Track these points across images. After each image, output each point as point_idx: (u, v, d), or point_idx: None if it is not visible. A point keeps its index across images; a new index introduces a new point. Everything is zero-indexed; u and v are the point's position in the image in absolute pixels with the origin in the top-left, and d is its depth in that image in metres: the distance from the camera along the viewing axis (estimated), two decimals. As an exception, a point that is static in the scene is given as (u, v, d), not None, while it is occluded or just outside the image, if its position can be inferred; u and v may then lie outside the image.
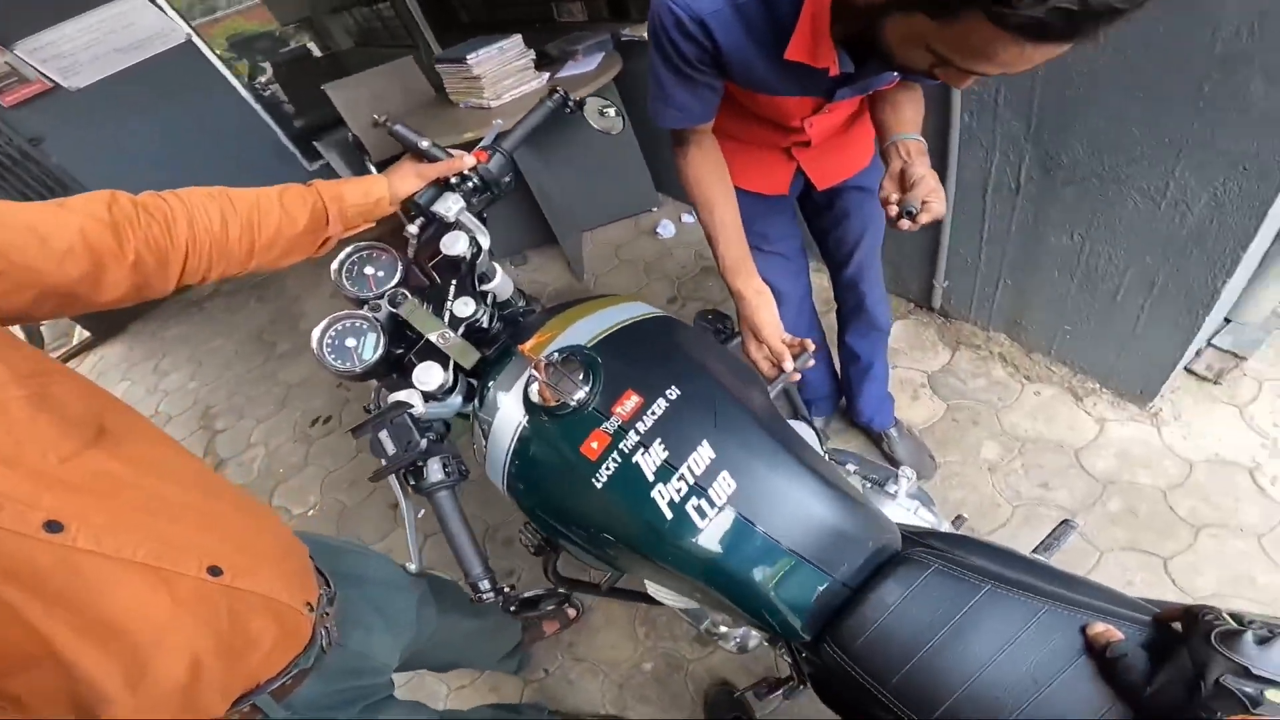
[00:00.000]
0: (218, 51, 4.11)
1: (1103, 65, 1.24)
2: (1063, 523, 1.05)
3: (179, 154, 3.96)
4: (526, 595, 0.77)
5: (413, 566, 0.77)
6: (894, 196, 0.92)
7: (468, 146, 0.97)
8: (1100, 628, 0.58)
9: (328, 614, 0.82)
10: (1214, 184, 1.24)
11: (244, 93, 4.19)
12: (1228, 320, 1.71)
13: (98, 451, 0.60)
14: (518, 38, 2.39)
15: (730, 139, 1.15)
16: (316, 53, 5.49)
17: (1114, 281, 1.53)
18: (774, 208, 1.31)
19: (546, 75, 2.45)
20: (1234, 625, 0.51)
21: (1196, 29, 1.09)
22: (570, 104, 1.04)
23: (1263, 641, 0.49)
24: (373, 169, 2.96)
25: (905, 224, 0.89)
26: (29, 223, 0.63)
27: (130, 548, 0.59)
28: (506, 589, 0.73)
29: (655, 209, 3.06)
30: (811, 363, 0.97)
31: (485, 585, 0.70)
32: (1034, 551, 1.02)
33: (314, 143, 4.04)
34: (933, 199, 0.89)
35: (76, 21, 3.48)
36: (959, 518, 1.20)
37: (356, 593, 0.92)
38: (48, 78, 3.51)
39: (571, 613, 1.70)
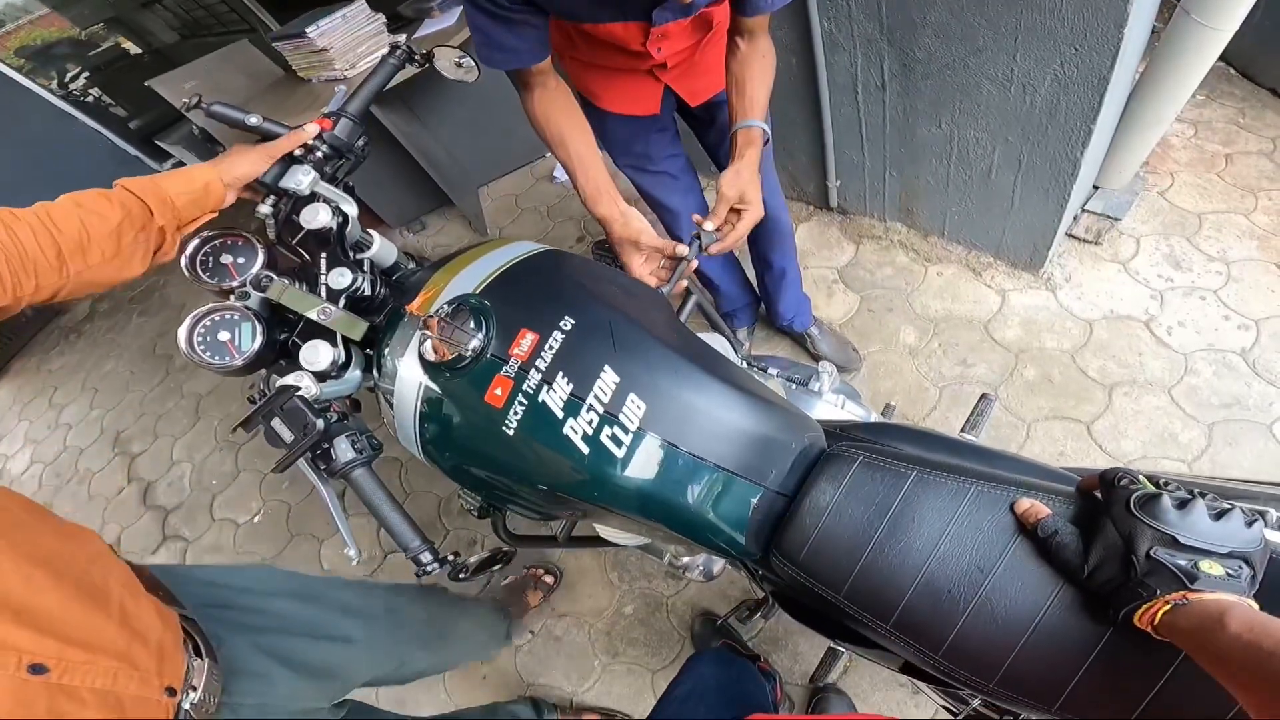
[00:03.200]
0: (19, 66, 3.70)
1: None
2: (981, 398, 1.10)
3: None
4: (474, 560, 0.75)
5: (351, 552, 0.75)
6: (704, 226, 0.99)
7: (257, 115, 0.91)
8: (1025, 504, 0.57)
9: (194, 689, 0.75)
10: (1053, 66, 1.32)
11: (58, 102, 3.77)
12: (1097, 188, 1.85)
13: None
14: (362, 3, 2.23)
15: (593, 67, 1.16)
16: (136, 50, 4.97)
17: (985, 162, 1.62)
18: (650, 127, 1.31)
19: (403, 38, 2.29)
20: (1150, 489, 0.50)
21: None
22: (417, 56, 1.00)
23: (1181, 505, 0.48)
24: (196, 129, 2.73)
25: (712, 249, 0.98)
26: None
27: None
28: (450, 557, 0.71)
29: (547, 154, 2.99)
30: (695, 264, 1.00)
31: (426, 558, 0.69)
32: (961, 430, 1.06)
33: (158, 142, 3.71)
34: (739, 220, 0.99)
35: None
36: (888, 407, 1.24)
37: (248, 640, 0.87)
38: None
39: (550, 579, 1.70)
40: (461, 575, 0.73)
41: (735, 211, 1.01)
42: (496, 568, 0.78)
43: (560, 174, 2.83)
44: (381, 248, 0.87)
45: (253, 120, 0.86)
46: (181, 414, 2.75)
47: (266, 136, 0.88)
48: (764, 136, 1.04)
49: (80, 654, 0.64)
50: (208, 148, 3.10)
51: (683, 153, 1.42)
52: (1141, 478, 0.52)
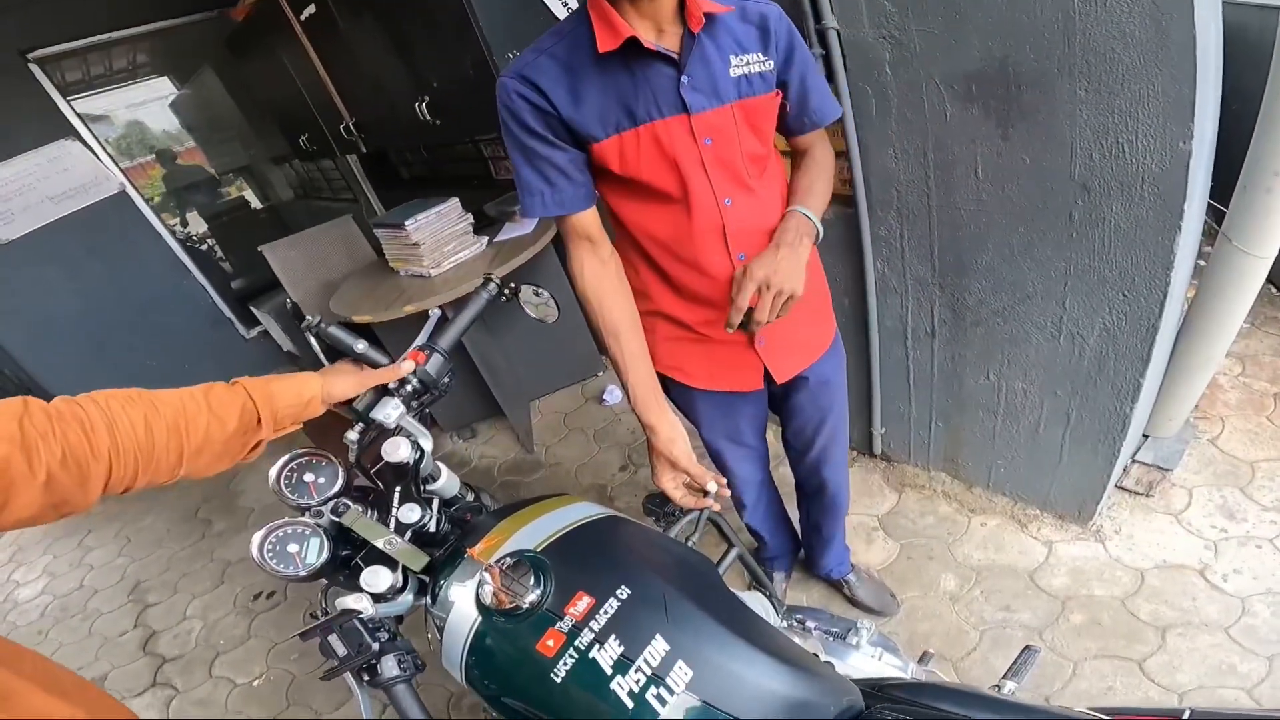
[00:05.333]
0: (151, 198, 3.91)
1: (986, 201, 1.32)
2: (1025, 649, 1.06)
3: (103, 319, 3.67)
4: None
5: None
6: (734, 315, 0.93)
7: (409, 320, 0.98)
8: None
9: None
10: (1102, 314, 1.33)
11: (177, 248, 3.90)
12: (1146, 436, 1.83)
13: None
14: (455, 201, 2.42)
15: (683, 338, 1.14)
16: (255, 203, 5.56)
17: (1033, 415, 1.62)
18: (748, 402, 1.27)
19: (485, 240, 2.50)
20: None
21: (1055, 154, 1.17)
22: (505, 293, 1.05)
23: None
24: (312, 340, 2.94)
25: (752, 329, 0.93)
26: None
27: None
28: None
29: (600, 373, 3.07)
30: (727, 492, 0.98)
31: None
32: (1004, 677, 1.03)
33: (251, 307, 3.83)
34: (765, 297, 0.91)
35: (9, 165, 3.27)
36: (925, 654, 1.21)
37: None
38: None
39: None
40: None
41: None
42: None
43: (610, 397, 2.88)
44: (447, 480, 0.93)
45: (360, 348, 0.94)
46: (207, 576, 2.76)
47: (358, 357, 0.94)
48: (814, 231, 0.99)
49: None
50: (294, 324, 3.21)
51: (766, 426, 1.39)
52: None
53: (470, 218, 2.48)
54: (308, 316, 0.98)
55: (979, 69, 1.20)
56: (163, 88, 4.91)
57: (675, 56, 0.90)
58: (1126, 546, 1.70)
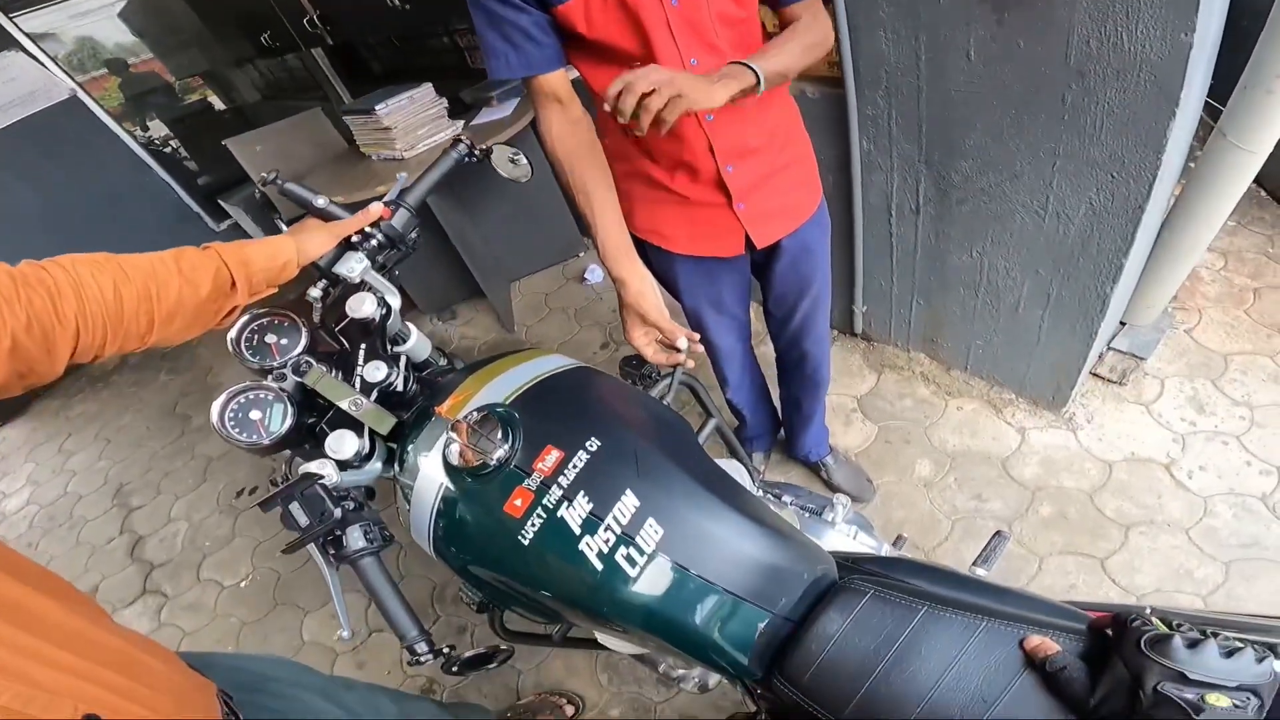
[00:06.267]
0: (108, 106, 3.84)
1: (978, 83, 1.31)
2: (995, 534, 1.09)
3: (68, 219, 3.65)
4: (469, 655, 0.74)
5: (345, 633, 0.75)
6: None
7: (380, 200, 0.94)
8: (1036, 640, 0.58)
9: None
10: (1089, 194, 1.33)
11: (139, 150, 3.90)
12: (1123, 324, 1.84)
13: None
14: (428, 86, 2.36)
15: (661, 198, 1.12)
16: (219, 105, 5.29)
17: (1014, 295, 1.63)
18: (729, 269, 1.25)
19: (460, 124, 2.43)
20: (1162, 629, 0.52)
21: (1051, 40, 1.16)
22: (476, 153, 1.02)
23: (1192, 645, 0.50)
24: (283, 227, 2.85)
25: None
26: None
27: None
28: (446, 649, 0.71)
29: (581, 254, 3.06)
30: (700, 348, 0.98)
31: (423, 648, 0.69)
32: (973, 565, 1.06)
33: (220, 201, 3.82)
34: (661, 92, 0.79)
35: None
36: (899, 538, 1.24)
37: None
38: None
39: (570, 709, 1.60)
40: (454, 669, 0.73)
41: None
42: (492, 665, 0.77)
43: (591, 276, 2.87)
44: (417, 342, 0.90)
45: (320, 202, 0.91)
46: (189, 474, 2.76)
47: (319, 213, 0.91)
48: (747, 78, 0.89)
49: (134, 706, 0.61)
50: (265, 214, 3.21)
51: (750, 292, 1.36)
52: (1155, 620, 0.53)
53: (445, 102, 2.41)
54: (263, 173, 0.93)
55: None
56: (103, -1, 4.55)
57: None
58: (1097, 437, 1.74)
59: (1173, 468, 1.63)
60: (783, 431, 1.84)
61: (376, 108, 2.24)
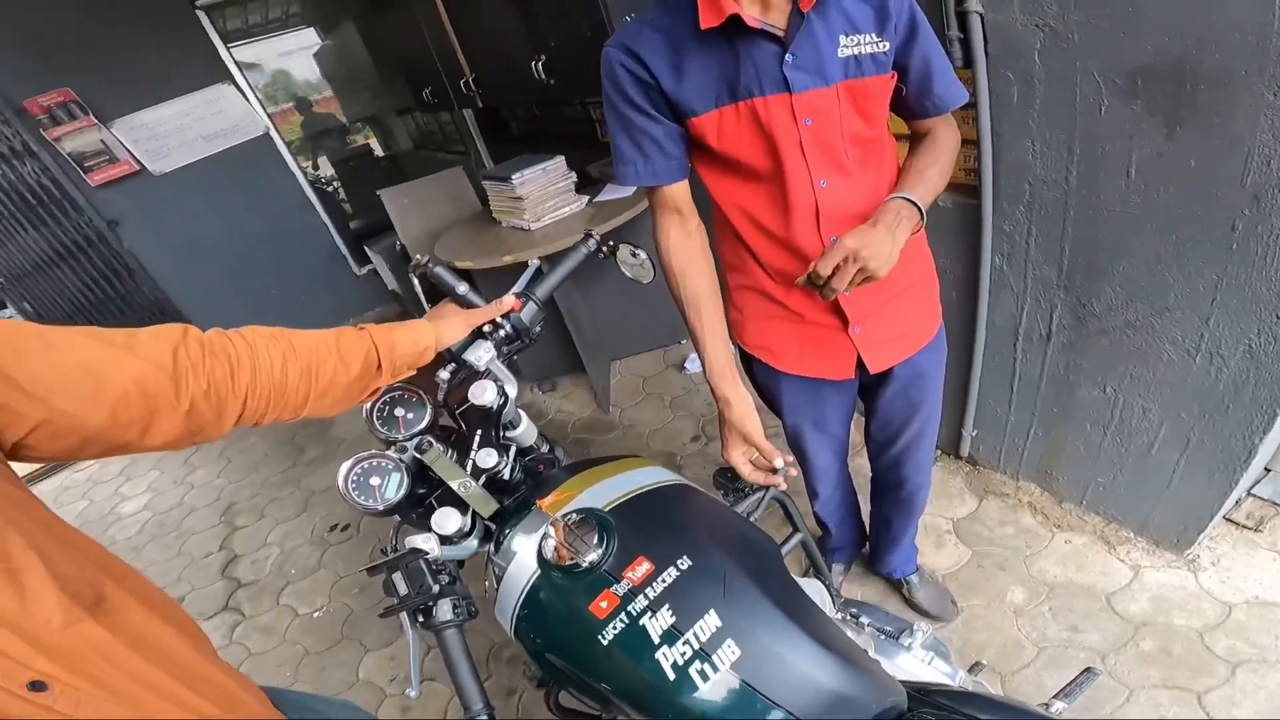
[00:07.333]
0: (290, 142, 4.13)
1: (1136, 203, 1.24)
2: (1085, 670, 1.06)
3: (237, 248, 3.96)
4: None
5: (413, 693, 0.79)
6: (816, 268, 0.88)
7: (506, 269, 1.00)
8: None
9: None
10: (1249, 335, 1.22)
11: (307, 188, 4.17)
12: (1268, 470, 1.66)
13: (94, 623, 0.60)
14: (560, 159, 2.49)
15: (774, 315, 1.11)
16: (378, 151, 5.90)
17: (1148, 436, 1.50)
18: (839, 389, 1.21)
19: (586, 199, 2.55)
20: None
21: (1227, 159, 1.09)
22: (603, 250, 1.06)
23: None
24: (415, 281, 3.04)
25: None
26: (84, 362, 0.60)
27: (102, 715, 0.57)
28: None
29: (682, 341, 3.06)
30: (794, 472, 0.97)
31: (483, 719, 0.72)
32: (1055, 697, 1.04)
33: (365, 246, 4.05)
34: (847, 268, 0.86)
35: (172, 105, 3.55)
36: (977, 664, 1.21)
37: None
38: (136, 159, 3.53)
39: None
40: None
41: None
42: None
43: (691, 365, 2.86)
44: (526, 429, 0.95)
45: (461, 289, 0.97)
46: (292, 503, 2.92)
47: (459, 299, 0.98)
48: (916, 217, 0.92)
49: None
50: (401, 266, 3.39)
51: (853, 415, 1.33)
52: None
53: (574, 176, 2.53)
54: (416, 256, 1.02)
55: (1148, 64, 1.10)
56: (309, 39, 5.24)
57: (780, 34, 0.87)
58: (1220, 579, 1.58)
59: (1300, 613, 1.45)
60: (867, 546, 1.76)
61: (513, 176, 2.37)
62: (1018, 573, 1.74)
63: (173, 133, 3.61)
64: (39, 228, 3.44)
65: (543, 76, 2.54)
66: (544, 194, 2.45)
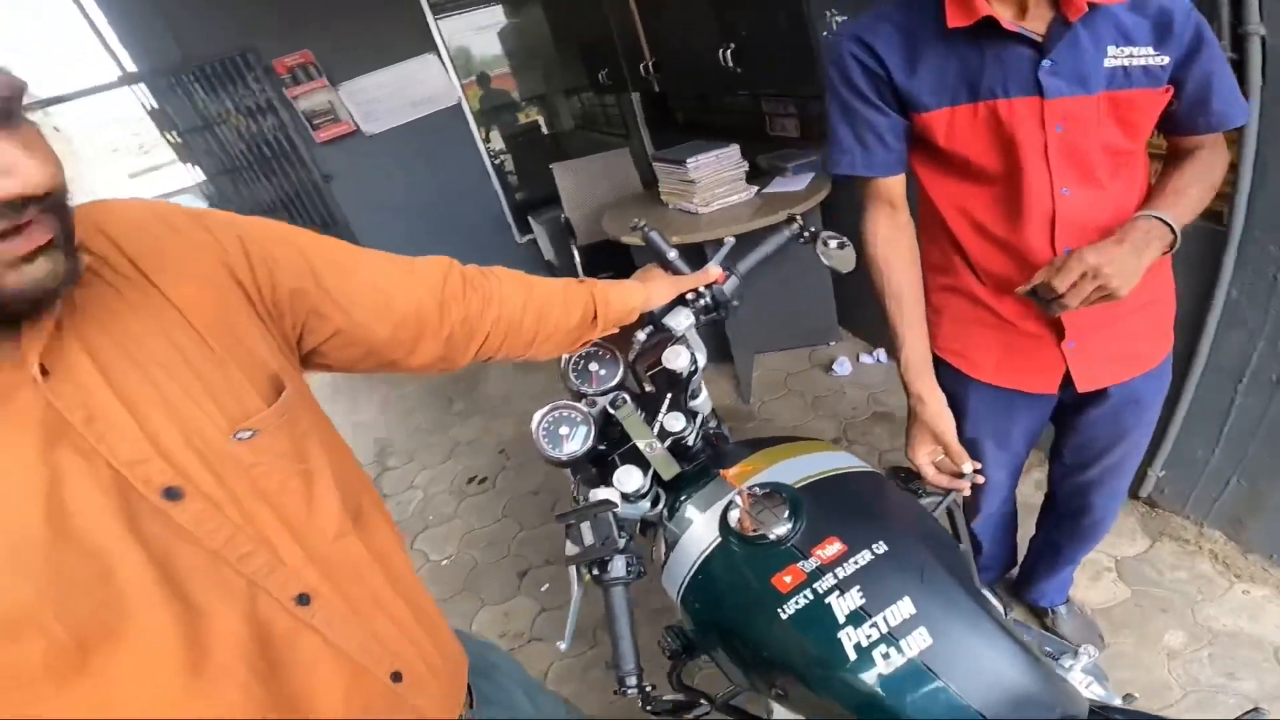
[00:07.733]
0: (476, 113, 4.38)
1: None
2: (1252, 709, 0.93)
3: (417, 211, 4.17)
4: (669, 698, 0.78)
5: (564, 645, 0.82)
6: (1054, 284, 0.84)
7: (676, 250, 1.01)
8: None
9: None
10: None
11: (486, 159, 4.38)
12: None
13: (355, 537, 0.62)
14: (735, 148, 2.48)
15: (988, 316, 1.04)
16: (544, 128, 6.18)
17: None
18: (1033, 404, 1.12)
19: (755, 189, 2.53)
20: None
21: None
22: (804, 236, 1.04)
23: None
24: (575, 251, 3.11)
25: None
26: (378, 283, 0.66)
27: (347, 637, 0.58)
28: (649, 688, 0.74)
29: (833, 343, 2.99)
30: (981, 480, 0.95)
31: (632, 681, 0.73)
32: None
33: (530, 218, 4.25)
34: (1084, 284, 0.82)
35: (389, 71, 3.83)
36: (1129, 696, 1.11)
37: (491, 713, 0.88)
38: (354, 120, 3.85)
39: None
40: (650, 707, 0.76)
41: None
42: (688, 716, 0.79)
43: (840, 369, 2.77)
44: (705, 400, 0.96)
45: (672, 255, 0.99)
46: (438, 451, 3.06)
47: (667, 264, 0.99)
48: (1169, 239, 0.86)
49: (424, 672, 0.66)
50: (563, 238, 3.51)
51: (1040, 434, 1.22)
52: None
53: (745, 165, 2.52)
54: (635, 219, 1.06)
55: None
56: (497, 15, 5.56)
57: (1038, 39, 0.84)
58: None
59: None
60: (1015, 570, 1.64)
61: (687, 160, 2.39)
62: (1181, 616, 1.64)
63: (386, 97, 3.90)
64: (270, 177, 3.91)
65: (730, 64, 2.53)
66: (715, 180, 2.45)
